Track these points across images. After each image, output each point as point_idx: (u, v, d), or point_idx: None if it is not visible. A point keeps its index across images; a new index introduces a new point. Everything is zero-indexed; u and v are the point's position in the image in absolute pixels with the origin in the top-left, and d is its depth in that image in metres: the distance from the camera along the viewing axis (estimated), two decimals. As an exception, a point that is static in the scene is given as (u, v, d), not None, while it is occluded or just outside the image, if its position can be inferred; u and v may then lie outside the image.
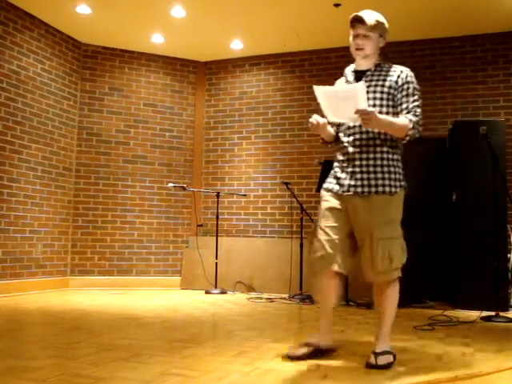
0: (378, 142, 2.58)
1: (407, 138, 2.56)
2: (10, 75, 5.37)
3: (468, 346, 3.06)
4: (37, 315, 4.10)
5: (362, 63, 2.69)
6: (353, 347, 2.97)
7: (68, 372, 2.28)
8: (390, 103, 2.60)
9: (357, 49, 2.68)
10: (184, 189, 6.36)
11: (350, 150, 2.61)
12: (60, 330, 3.44)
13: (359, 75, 2.67)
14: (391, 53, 6.13)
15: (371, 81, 2.63)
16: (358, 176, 2.56)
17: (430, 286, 5.24)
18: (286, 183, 5.90)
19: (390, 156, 2.60)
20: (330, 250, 2.55)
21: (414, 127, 2.52)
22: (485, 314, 4.22)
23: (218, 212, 6.26)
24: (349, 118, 2.53)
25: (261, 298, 5.46)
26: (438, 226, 5.38)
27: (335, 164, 2.72)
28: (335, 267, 2.56)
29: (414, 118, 2.53)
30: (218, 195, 6.27)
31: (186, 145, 6.76)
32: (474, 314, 4.29)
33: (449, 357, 2.74)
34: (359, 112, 2.39)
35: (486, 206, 4.62)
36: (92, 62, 6.45)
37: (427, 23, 5.60)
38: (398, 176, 2.61)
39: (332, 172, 2.73)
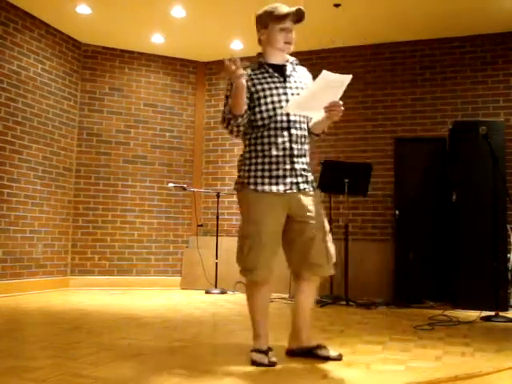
0: (307, 139, 2.66)
1: (322, 135, 2.75)
2: (10, 75, 5.37)
3: (468, 345, 3.06)
4: (37, 315, 4.10)
5: (279, 57, 2.68)
6: (353, 347, 2.97)
7: (68, 372, 2.28)
8: None
9: (287, 42, 2.67)
10: (184, 189, 6.36)
11: (292, 145, 2.54)
12: (60, 330, 3.44)
13: (276, 68, 2.64)
14: (391, 53, 6.16)
15: (294, 76, 2.67)
16: (299, 173, 2.55)
17: (430, 286, 5.25)
18: (286, 183, 5.89)
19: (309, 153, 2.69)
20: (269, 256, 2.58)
21: None
22: (485, 313, 4.22)
23: (218, 212, 6.26)
24: (315, 110, 2.52)
25: (261, 298, 5.45)
26: (438, 226, 5.39)
27: (261, 161, 2.54)
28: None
29: None
30: (218, 195, 6.28)
31: (187, 145, 6.77)
32: (474, 314, 4.29)
33: (449, 357, 2.74)
34: (336, 104, 2.44)
35: (485, 206, 4.62)
36: (92, 62, 6.45)
37: (427, 24, 5.60)
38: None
39: (249, 172, 2.56)
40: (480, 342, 3.17)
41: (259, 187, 2.52)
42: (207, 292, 5.91)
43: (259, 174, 2.54)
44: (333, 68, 7.19)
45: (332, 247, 2.60)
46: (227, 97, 2.56)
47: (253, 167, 2.57)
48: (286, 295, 5.65)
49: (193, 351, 2.76)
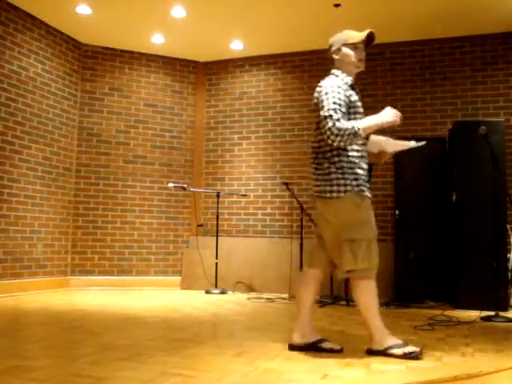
0: None
1: None
2: (10, 75, 5.37)
3: (468, 345, 3.06)
4: (37, 315, 4.10)
5: (354, 76, 2.94)
6: (353, 347, 2.97)
7: (68, 372, 2.28)
8: None
9: (363, 60, 2.92)
10: (184, 189, 6.36)
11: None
12: (60, 330, 3.44)
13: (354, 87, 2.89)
14: (391, 53, 6.16)
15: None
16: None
17: (430, 286, 5.25)
18: (286, 183, 5.90)
19: None
20: None
21: None
22: (485, 313, 4.22)
23: (218, 212, 6.26)
24: (392, 148, 3.06)
25: (261, 298, 5.46)
26: (438, 226, 5.39)
27: (357, 170, 2.75)
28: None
29: None
30: (218, 195, 6.28)
31: (186, 145, 6.77)
32: (474, 314, 4.29)
33: (449, 357, 2.74)
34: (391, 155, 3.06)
35: (485, 206, 4.62)
36: (92, 62, 6.46)
37: (427, 24, 5.60)
38: None
39: (352, 177, 2.73)
40: (480, 342, 3.17)
41: (366, 193, 2.78)
42: (207, 292, 5.91)
43: (361, 181, 2.76)
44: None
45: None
46: (337, 103, 2.69)
47: (358, 174, 2.75)
48: (286, 295, 5.66)
49: (193, 351, 2.77)
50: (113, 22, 5.83)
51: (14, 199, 5.39)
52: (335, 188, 2.71)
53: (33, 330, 3.52)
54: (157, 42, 6.28)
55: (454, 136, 5.14)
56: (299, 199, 5.91)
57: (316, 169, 2.81)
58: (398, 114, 2.74)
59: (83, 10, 5.48)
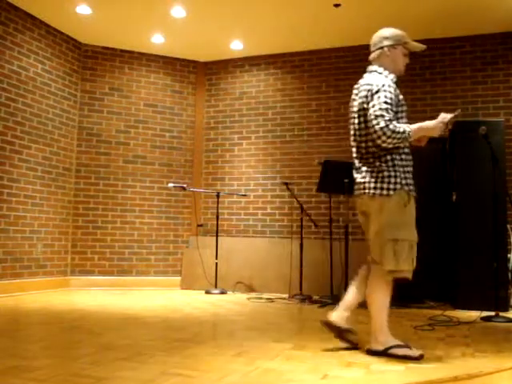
0: None
1: None
2: (10, 75, 5.37)
3: (468, 346, 3.06)
4: (37, 315, 4.10)
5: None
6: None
7: (68, 372, 2.28)
8: None
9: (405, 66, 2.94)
10: (184, 189, 6.36)
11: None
12: (60, 330, 3.44)
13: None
14: (391, 53, 6.15)
15: None
16: None
17: (430, 286, 5.25)
18: (286, 183, 5.90)
19: None
20: None
21: None
22: (485, 314, 4.22)
23: (218, 212, 6.26)
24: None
25: (261, 298, 5.46)
26: (438, 226, 5.38)
27: (407, 168, 2.79)
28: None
29: None
30: (218, 195, 6.28)
31: (186, 145, 6.77)
32: (474, 314, 4.29)
33: (449, 357, 2.74)
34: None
35: (486, 206, 4.62)
36: (92, 62, 6.45)
37: (427, 23, 5.60)
38: None
39: (403, 176, 2.75)
40: (480, 343, 3.17)
41: (413, 192, 2.78)
42: (207, 292, 5.91)
43: (410, 180, 2.77)
44: (332, 68, 7.14)
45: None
46: (388, 103, 2.69)
47: (408, 172, 2.78)
48: (286, 295, 5.66)
49: (193, 351, 2.76)
50: (113, 22, 5.83)
51: (14, 199, 5.39)
52: (385, 185, 2.70)
53: (33, 330, 3.52)
54: (157, 41, 6.28)
55: (454, 136, 5.14)
56: (299, 199, 5.91)
57: (363, 166, 2.80)
58: (444, 122, 2.78)
59: (83, 9, 5.48)
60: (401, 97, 2.79)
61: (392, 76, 2.83)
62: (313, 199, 6.16)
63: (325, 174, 5.27)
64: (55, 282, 5.90)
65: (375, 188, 2.72)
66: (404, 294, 5.18)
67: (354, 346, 2.87)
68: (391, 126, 2.62)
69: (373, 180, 2.73)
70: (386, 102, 2.66)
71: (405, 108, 2.81)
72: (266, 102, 6.61)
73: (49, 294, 5.50)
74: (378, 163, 2.74)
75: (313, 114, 6.32)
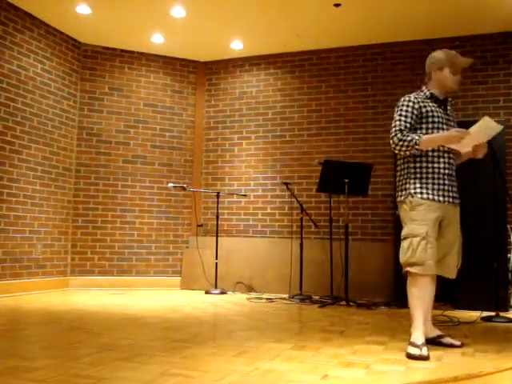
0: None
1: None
2: (10, 75, 5.37)
3: (468, 346, 3.06)
4: (37, 315, 4.09)
5: (443, 94, 3.13)
6: (353, 347, 2.97)
7: (68, 372, 2.27)
8: None
9: (458, 83, 3.13)
10: (184, 189, 6.36)
11: (452, 165, 3.09)
12: (60, 330, 3.44)
13: (439, 103, 3.12)
14: (391, 53, 6.16)
15: (450, 109, 3.19)
16: (454, 189, 3.08)
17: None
18: (286, 183, 5.90)
19: None
20: (435, 257, 3.00)
21: None
22: (485, 314, 4.22)
23: (218, 212, 6.26)
24: (466, 148, 3.05)
25: (261, 298, 5.46)
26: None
27: (436, 175, 2.99)
28: (438, 271, 3.15)
29: None
30: (218, 195, 6.27)
31: (186, 145, 6.76)
32: (475, 315, 4.29)
33: (449, 357, 2.74)
34: (484, 145, 3.08)
35: (486, 206, 4.62)
36: (92, 62, 6.45)
37: (427, 23, 5.60)
38: None
39: (430, 182, 2.98)
40: (480, 343, 3.18)
41: (425, 196, 2.97)
42: (207, 292, 5.91)
43: (427, 186, 2.98)
44: (332, 68, 7.13)
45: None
46: (402, 115, 2.99)
47: (422, 179, 2.99)
48: (286, 295, 5.66)
49: (193, 351, 2.76)
50: (113, 22, 5.83)
51: (14, 199, 5.39)
52: (399, 193, 3.07)
53: (32, 330, 3.52)
54: (157, 41, 6.28)
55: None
56: (299, 199, 5.91)
57: (397, 171, 3.12)
58: (462, 136, 2.91)
59: (83, 9, 5.48)
60: (428, 109, 3.02)
61: (426, 90, 3.10)
62: (313, 199, 6.16)
63: (325, 174, 5.27)
64: (55, 282, 5.90)
65: (396, 196, 3.12)
66: (404, 294, 5.18)
67: (459, 346, 3.02)
68: (399, 135, 2.93)
69: (398, 187, 3.10)
70: (400, 115, 2.99)
71: (434, 119, 3.01)
72: (265, 102, 6.60)
73: (49, 295, 5.50)
74: (398, 172, 3.10)
75: (313, 114, 6.32)
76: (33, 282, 5.57)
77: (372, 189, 5.65)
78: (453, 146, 2.99)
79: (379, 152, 5.98)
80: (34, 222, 5.63)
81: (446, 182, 3.00)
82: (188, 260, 6.48)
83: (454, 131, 2.92)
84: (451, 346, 3.01)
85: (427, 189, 2.96)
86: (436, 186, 2.97)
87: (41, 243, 5.71)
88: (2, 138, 5.26)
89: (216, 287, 5.96)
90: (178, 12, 5.48)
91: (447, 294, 5.15)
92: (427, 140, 2.92)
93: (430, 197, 2.95)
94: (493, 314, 4.21)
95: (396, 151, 2.97)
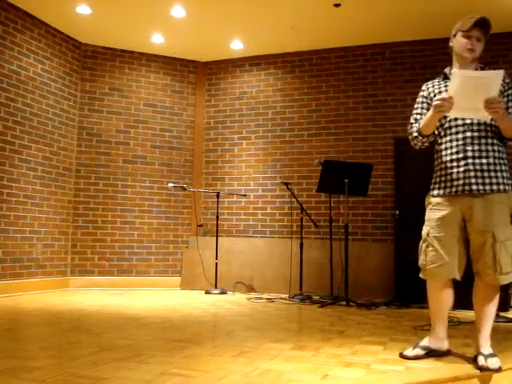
0: (489, 140, 2.57)
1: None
2: (10, 75, 5.37)
3: (468, 346, 3.06)
4: (37, 315, 4.09)
5: (467, 65, 2.70)
6: (353, 347, 2.97)
7: (68, 372, 2.27)
8: None
9: (469, 49, 2.71)
10: (184, 189, 6.36)
11: (467, 147, 2.57)
12: (60, 330, 3.44)
13: None
14: (391, 53, 6.16)
15: None
16: (472, 174, 2.53)
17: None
18: (286, 183, 5.90)
19: (502, 155, 2.60)
20: (447, 259, 2.68)
21: None
22: (485, 314, 4.20)
23: (218, 212, 6.25)
24: (473, 111, 2.48)
25: (261, 298, 5.46)
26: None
27: (443, 165, 2.63)
28: (452, 274, 2.77)
29: None
30: (218, 195, 6.27)
31: (186, 145, 6.76)
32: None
33: (449, 357, 2.74)
34: (492, 100, 2.39)
35: (486, 206, 4.60)
36: (92, 62, 6.45)
37: (427, 23, 5.60)
38: (508, 175, 2.59)
39: (438, 173, 2.67)
40: (480, 342, 3.17)
41: (432, 192, 2.70)
42: (207, 292, 5.91)
43: (436, 179, 2.69)
44: (332, 68, 7.14)
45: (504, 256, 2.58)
46: (415, 112, 2.84)
47: (440, 172, 2.66)
48: (286, 295, 5.66)
49: (193, 351, 2.76)
50: (113, 22, 5.83)
51: (14, 199, 5.39)
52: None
53: (32, 330, 3.52)
54: (157, 41, 6.28)
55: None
56: (299, 199, 5.91)
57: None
58: (442, 103, 2.48)
59: (83, 9, 5.48)
60: (436, 91, 2.76)
61: (447, 69, 2.85)
62: (313, 199, 6.16)
63: (325, 174, 5.27)
64: (55, 282, 5.90)
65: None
66: (404, 294, 5.19)
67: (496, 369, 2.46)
68: (408, 130, 2.78)
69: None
70: (413, 108, 2.87)
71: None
72: (266, 102, 6.60)
73: (49, 295, 5.50)
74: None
75: (313, 114, 6.32)
76: (33, 282, 5.57)
77: (372, 189, 5.65)
78: (450, 115, 2.55)
79: (379, 152, 5.98)
80: (34, 222, 5.63)
81: (456, 169, 2.55)
82: (188, 260, 6.48)
83: (435, 99, 2.53)
84: (482, 368, 2.43)
85: (435, 183, 2.68)
86: (443, 178, 2.62)
87: (41, 243, 5.71)
88: (2, 138, 5.27)
89: (216, 287, 5.96)
90: (178, 12, 5.48)
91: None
92: (423, 122, 2.65)
93: (435, 192, 2.64)
94: (493, 314, 4.20)
95: (412, 145, 2.77)
